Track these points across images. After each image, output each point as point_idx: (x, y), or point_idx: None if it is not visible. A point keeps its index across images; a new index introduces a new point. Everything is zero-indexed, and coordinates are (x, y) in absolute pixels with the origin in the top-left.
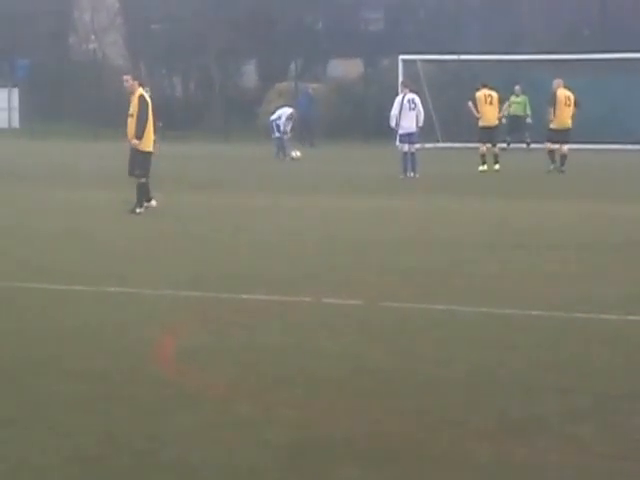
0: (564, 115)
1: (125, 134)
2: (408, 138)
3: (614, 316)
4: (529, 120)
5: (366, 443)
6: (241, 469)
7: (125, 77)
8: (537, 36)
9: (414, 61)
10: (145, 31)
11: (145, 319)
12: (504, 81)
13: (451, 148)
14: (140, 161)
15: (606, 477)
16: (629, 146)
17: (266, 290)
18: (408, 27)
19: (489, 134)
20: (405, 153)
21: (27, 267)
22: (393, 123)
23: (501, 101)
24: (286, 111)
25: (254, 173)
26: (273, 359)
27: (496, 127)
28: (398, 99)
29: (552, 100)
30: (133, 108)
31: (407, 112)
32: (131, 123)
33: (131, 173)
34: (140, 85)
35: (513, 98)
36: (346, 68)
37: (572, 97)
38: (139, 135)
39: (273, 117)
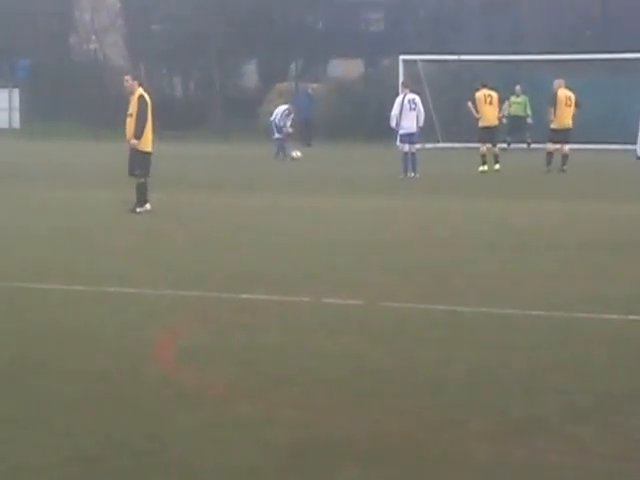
0: (565, 115)
1: (124, 134)
2: (408, 138)
3: (615, 316)
4: (529, 120)
5: (366, 443)
6: (241, 469)
7: (125, 77)
8: (538, 36)
9: (414, 61)
10: (145, 31)
11: (145, 319)
12: (505, 81)
13: (451, 148)
14: (139, 161)
15: (606, 477)
16: (630, 146)
17: (266, 290)
18: (408, 27)
19: (489, 134)
20: (405, 153)
21: (27, 267)
22: (393, 123)
23: (501, 101)
24: (281, 108)
25: (254, 173)
26: (273, 359)
27: (496, 127)
28: (398, 99)
29: (553, 100)
30: (132, 108)
31: (407, 112)
32: (130, 123)
33: (131, 173)
34: (140, 85)
35: (513, 98)
36: (346, 68)
37: (573, 97)
38: (138, 135)
39: (272, 118)
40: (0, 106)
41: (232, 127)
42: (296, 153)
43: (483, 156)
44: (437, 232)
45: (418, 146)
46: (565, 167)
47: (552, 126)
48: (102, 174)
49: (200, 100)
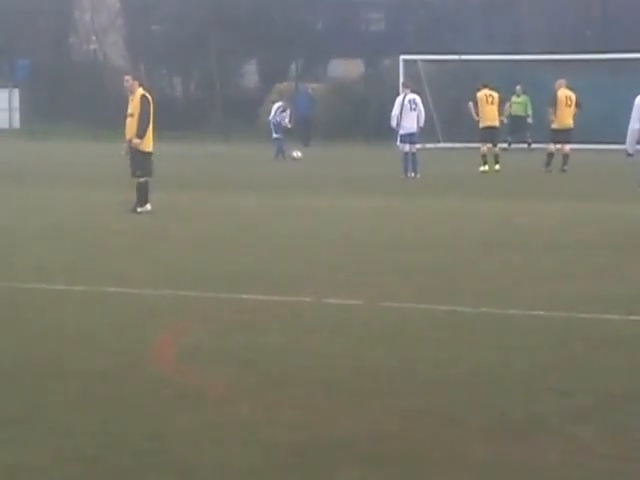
0: (565, 115)
1: (122, 134)
2: (409, 138)
3: (615, 316)
4: (530, 120)
5: (366, 443)
6: (241, 469)
7: (126, 77)
8: (538, 36)
9: (415, 61)
10: (145, 31)
11: (145, 319)
12: (505, 81)
13: (452, 148)
14: (141, 161)
15: (606, 477)
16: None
17: (266, 290)
18: (409, 27)
19: (490, 134)
20: (406, 153)
21: (27, 267)
22: (394, 123)
23: (501, 101)
24: (275, 106)
25: (254, 173)
26: (273, 359)
27: (497, 127)
28: (399, 99)
29: (553, 100)
30: (134, 108)
31: (408, 112)
32: (131, 123)
33: (133, 174)
34: (140, 85)
35: (514, 98)
36: (347, 68)
37: (573, 97)
38: (140, 134)
39: (270, 117)
40: (0, 106)
41: (232, 127)
42: (297, 153)
43: (484, 156)
44: (437, 232)
45: (418, 146)
46: (566, 167)
47: (553, 126)
48: (102, 174)
49: (200, 100)
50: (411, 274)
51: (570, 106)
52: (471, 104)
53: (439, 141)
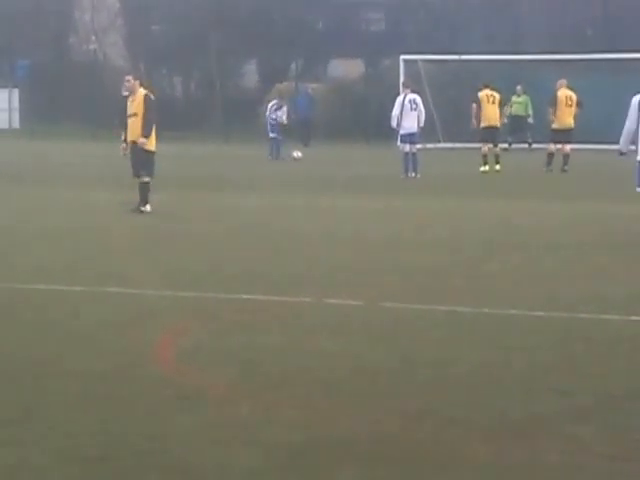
0: (566, 115)
1: (121, 135)
2: (409, 138)
3: (615, 316)
4: (531, 120)
5: (366, 443)
6: (241, 469)
7: (127, 77)
8: (538, 36)
9: (415, 61)
10: (145, 31)
11: (145, 319)
12: (505, 81)
13: (452, 148)
14: (144, 160)
15: (606, 478)
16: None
17: (266, 290)
18: (409, 27)
19: (491, 134)
20: (406, 153)
21: (27, 267)
22: (394, 123)
23: (502, 104)
24: (269, 105)
25: (254, 173)
26: (273, 359)
27: (498, 127)
28: (399, 99)
29: (553, 100)
30: (137, 108)
31: (408, 112)
32: (134, 123)
33: (136, 174)
34: (141, 85)
35: (515, 98)
36: (347, 68)
37: (574, 97)
38: (147, 134)
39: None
40: (0, 106)
41: (232, 127)
42: (297, 153)
43: (485, 156)
44: (437, 232)
45: (419, 146)
46: (566, 167)
47: (553, 126)
48: (102, 174)
49: (200, 100)
50: (411, 274)
51: (571, 106)
52: (474, 106)
53: (439, 141)
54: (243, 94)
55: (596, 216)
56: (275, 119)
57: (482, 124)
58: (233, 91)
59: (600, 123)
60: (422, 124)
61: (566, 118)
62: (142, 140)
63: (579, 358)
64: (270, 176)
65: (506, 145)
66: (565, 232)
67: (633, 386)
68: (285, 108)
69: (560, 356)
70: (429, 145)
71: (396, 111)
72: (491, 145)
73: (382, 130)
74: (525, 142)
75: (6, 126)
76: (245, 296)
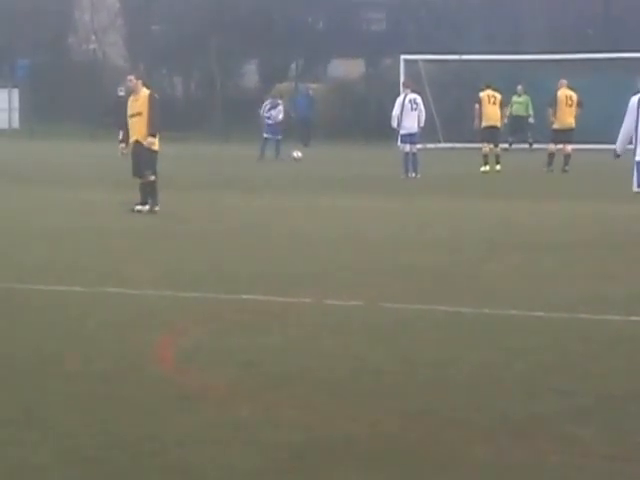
0: (566, 115)
1: (118, 135)
2: (409, 138)
3: (616, 317)
4: (531, 120)
5: (366, 443)
6: (241, 469)
7: (129, 77)
8: (539, 35)
9: (416, 61)
10: (145, 31)
11: (145, 319)
12: (506, 81)
13: (452, 148)
14: (148, 159)
15: (606, 478)
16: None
17: (266, 290)
18: (410, 27)
19: (492, 134)
20: (406, 153)
21: (27, 267)
22: (395, 123)
23: (503, 105)
24: (263, 105)
25: (254, 173)
26: (273, 359)
27: (499, 127)
28: (400, 99)
29: (553, 100)
30: (140, 107)
31: (409, 112)
32: (137, 123)
33: (137, 174)
34: (144, 85)
35: (515, 98)
36: (347, 68)
37: (574, 97)
38: (154, 132)
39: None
40: (0, 106)
41: (232, 127)
42: (297, 154)
43: (485, 156)
44: (437, 232)
45: (419, 146)
46: (567, 167)
47: (554, 126)
48: (102, 174)
49: (200, 100)
50: (411, 274)
51: (571, 106)
52: (477, 107)
53: (440, 141)
54: (243, 94)
55: (596, 216)
56: (269, 118)
57: (483, 124)
58: (233, 91)
59: (600, 123)
60: (422, 124)
61: (567, 118)
62: (150, 140)
63: (579, 358)
64: (270, 176)
65: (507, 145)
66: (565, 232)
67: (633, 386)
68: (281, 107)
69: (560, 356)
70: (429, 145)
71: (396, 111)
72: (492, 145)
73: (382, 130)
74: (526, 142)
75: (6, 126)
76: (245, 296)
